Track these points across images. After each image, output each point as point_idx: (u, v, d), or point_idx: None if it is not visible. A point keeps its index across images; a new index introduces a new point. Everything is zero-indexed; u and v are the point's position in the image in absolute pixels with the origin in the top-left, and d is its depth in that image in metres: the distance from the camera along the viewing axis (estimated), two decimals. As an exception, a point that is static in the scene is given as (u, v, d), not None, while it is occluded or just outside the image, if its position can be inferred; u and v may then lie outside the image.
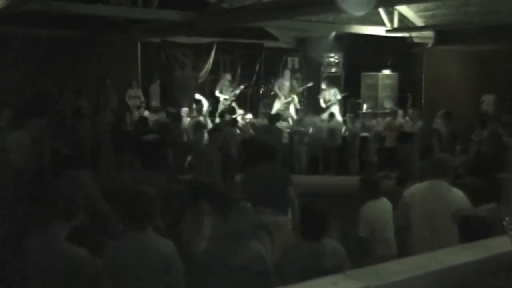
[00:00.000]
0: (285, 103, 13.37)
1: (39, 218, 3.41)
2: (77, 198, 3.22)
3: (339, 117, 12.64)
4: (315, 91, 14.29)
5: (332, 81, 13.72)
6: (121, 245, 3.27)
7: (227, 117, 11.82)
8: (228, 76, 13.67)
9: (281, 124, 12.01)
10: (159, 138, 8.52)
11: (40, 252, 3.06)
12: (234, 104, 13.01)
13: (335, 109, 12.87)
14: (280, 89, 13.45)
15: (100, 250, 3.28)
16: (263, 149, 6.02)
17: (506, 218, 2.00)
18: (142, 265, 3.18)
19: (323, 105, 13.10)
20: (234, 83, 13.79)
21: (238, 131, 10.96)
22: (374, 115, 12.52)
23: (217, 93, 13.45)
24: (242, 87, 13.80)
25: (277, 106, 13.41)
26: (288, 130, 12.08)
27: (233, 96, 13.39)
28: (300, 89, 13.90)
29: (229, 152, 9.37)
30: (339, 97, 13.14)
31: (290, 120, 12.88)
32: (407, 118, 11.85)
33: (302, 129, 11.92)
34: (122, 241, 3.29)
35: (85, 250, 3.12)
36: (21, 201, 4.80)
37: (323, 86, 13.36)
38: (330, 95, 13.12)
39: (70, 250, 3.07)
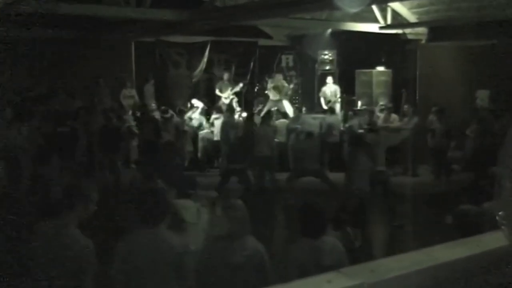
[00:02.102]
0: (276, 100, 13.34)
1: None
2: (86, 191, 3.45)
3: (338, 115, 12.63)
4: (311, 89, 14.29)
5: (327, 79, 13.71)
6: (134, 241, 3.30)
7: (226, 115, 11.87)
8: (226, 75, 13.66)
9: (281, 123, 12.03)
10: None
11: (50, 238, 3.26)
12: (234, 102, 13.03)
13: (336, 107, 12.87)
14: (272, 90, 13.40)
15: None
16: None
17: (500, 213, 2.00)
18: (155, 261, 3.21)
19: (324, 106, 13.01)
20: (231, 81, 13.77)
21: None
22: (371, 112, 12.49)
23: (217, 92, 13.45)
24: (241, 85, 13.78)
25: (268, 105, 13.37)
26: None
27: (233, 94, 13.39)
28: (289, 91, 13.84)
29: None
30: (338, 95, 13.09)
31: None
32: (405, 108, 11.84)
33: (298, 126, 11.90)
34: (135, 237, 3.32)
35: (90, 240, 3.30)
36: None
37: (327, 82, 13.29)
38: (332, 95, 13.08)
39: (74, 238, 3.27)
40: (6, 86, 11.29)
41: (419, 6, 11.32)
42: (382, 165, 8.22)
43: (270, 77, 13.97)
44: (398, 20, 11.79)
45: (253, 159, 9.61)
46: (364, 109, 12.81)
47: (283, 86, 13.51)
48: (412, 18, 11.69)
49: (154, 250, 3.23)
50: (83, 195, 3.45)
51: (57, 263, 3.24)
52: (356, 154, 7.43)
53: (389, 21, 11.74)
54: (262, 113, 12.81)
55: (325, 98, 13.17)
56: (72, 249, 3.26)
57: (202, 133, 12.04)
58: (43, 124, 9.52)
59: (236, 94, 13.55)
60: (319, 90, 13.75)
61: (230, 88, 13.43)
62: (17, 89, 11.61)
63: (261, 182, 9.70)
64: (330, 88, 13.22)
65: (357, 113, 12.48)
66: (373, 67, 13.45)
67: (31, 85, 11.91)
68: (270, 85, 13.55)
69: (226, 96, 13.28)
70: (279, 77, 13.67)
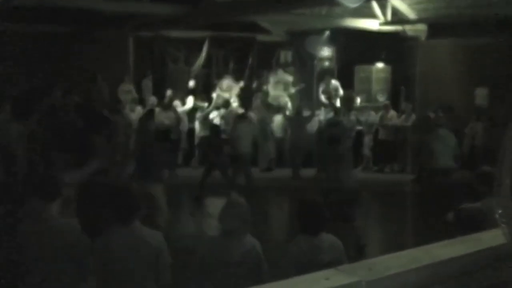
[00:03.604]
0: (277, 96, 13.29)
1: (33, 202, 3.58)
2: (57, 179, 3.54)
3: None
4: (309, 85, 14.25)
5: (326, 75, 13.68)
6: (110, 238, 3.31)
7: (222, 110, 11.88)
8: (226, 81, 13.51)
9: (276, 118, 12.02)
10: None
11: (37, 232, 3.31)
12: (231, 99, 13.01)
13: (337, 103, 12.80)
14: (273, 87, 13.36)
15: None
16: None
17: (499, 211, 1.99)
18: (131, 257, 3.22)
19: (324, 100, 12.91)
20: (232, 82, 13.67)
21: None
22: (374, 109, 12.47)
23: (218, 92, 13.34)
24: (241, 84, 13.72)
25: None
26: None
27: (234, 94, 13.33)
28: (293, 91, 13.77)
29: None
30: (341, 92, 12.98)
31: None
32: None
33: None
34: (111, 235, 3.33)
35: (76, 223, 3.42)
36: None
37: (327, 79, 13.23)
38: (333, 91, 12.99)
39: (64, 225, 3.38)
40: (3, 81, 11.26)
41: (418, 2, 11.29)
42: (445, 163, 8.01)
43: (271, 72, 13.91)
44: (398, 17, 11.77)
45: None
46: (365, 106, 12.79)
47: (286, 81, 13.45)
48: (412, 15, 11.67)
49: (130, 246, 3.23)
50: (60, 185, 3.53)
51: (54, 252, 3.28)
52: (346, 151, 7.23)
53: (389, 18, 11.72)
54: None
55: (325, 94, 13.07)
56: (64, 236, 3.31)
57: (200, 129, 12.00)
58: (40, 119, 9.47)
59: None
60: (318, 86, 13.71)
61: (231, 90, 13.33)
62: (13, 84, 11.57)
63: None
64: (331, 85, 13.12)
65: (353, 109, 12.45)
66: (373, 63, 13.43)
67: (27, 80, 11.86)
68: (271, 80, 13.49)
69: (227, 96, 13.20)
70: (280, 73, 13.62)
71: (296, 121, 11.33)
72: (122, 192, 3.39)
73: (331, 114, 12.10)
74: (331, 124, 10.27)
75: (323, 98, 13.01)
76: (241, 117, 10.49)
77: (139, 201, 3.36)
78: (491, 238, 2.09)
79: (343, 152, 7.03)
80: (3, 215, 4.29)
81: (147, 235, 3.32)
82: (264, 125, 11.53)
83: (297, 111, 11.70)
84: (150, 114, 9.63)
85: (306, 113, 12.30)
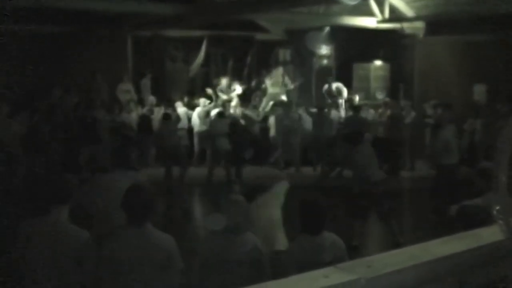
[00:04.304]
0: (275, 94, 13.29)
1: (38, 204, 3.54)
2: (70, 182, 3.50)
3: (342, 111, 12.57)
4: (308, 83, 14.26)
5: (324, 73, 13.68)
6: (121, 240, 3.25)
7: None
8: (224, 81, 13.53)
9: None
10: None
11: (45, 235, 3.27)
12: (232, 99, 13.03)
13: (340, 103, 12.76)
14: (271, 85, 13.36)
15: None
16: None
17: (497, 208, 2.01)
18: (141, 260, 3.17)
19: (330, 100, 12.87)
20: (232, 83, 13.68)
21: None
22: (372, 106, 12.46)
23: (219, 93, 13.36)
24: (240, 88, 13.71)
25: (267, 99, 13.31)
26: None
27: (236, 95, 13.31)
28: (292, 86, 13.77)
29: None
30: (345, 90, 12.92)
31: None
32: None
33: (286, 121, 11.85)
34: (122, 236, 3.27)
35: (86, 232, 3.34)
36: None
37: (329, 82, 13.20)
38: (337, 91, 12.94)
39: (73, 231, 3.32)
40: (2, 82, 11.27)
41: (416, 0, 11.31)
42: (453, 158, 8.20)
43: (270, 71, 13.91)
44: (396, 14, 11.78)
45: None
46: (363, 103, 12.78)
47: (284, 80, 13.45)
48: (409, 13, 11.68)
49: (141, 248, 3.18)
50: (72, 189, 3.48)
51: (60, 259, 3.23)
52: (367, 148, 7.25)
53: (386, 15, 11.73)
54: (263, 107, 12.85)
55: (330, 94, 13.01)
56: (72, 243, 3.25)
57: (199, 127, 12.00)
58: (40, 119, 9.49)
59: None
60: (317, 84, 13.72)
61: (230, 92, 13.32)
62: (13, 84, 11.57)
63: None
64: (335, 84, 13.08)
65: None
66: (371, 61, 13.43)
67: (27, 81, 11.86)
68: (270, 78, 13.48)
69: (228, 98, 13.18)
70: (279, 71, 13.62)
71: (319, 117, 11.36)
72: (138, 192, 3.29)
73: (340, 113, 12.13)
74: (351, 122, 10.40)
75: (328, 97, 12.96)
76: (220, 115, 10.68)
77: (151, 204, 3.25)
78: (489, 234, 2.11)
79: (365, 148, 7.10)
80: (5, 214, 4.29)
81: (158, 237, 3.25)
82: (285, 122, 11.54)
83: (320, 107, 11.70)
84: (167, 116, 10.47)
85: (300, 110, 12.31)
